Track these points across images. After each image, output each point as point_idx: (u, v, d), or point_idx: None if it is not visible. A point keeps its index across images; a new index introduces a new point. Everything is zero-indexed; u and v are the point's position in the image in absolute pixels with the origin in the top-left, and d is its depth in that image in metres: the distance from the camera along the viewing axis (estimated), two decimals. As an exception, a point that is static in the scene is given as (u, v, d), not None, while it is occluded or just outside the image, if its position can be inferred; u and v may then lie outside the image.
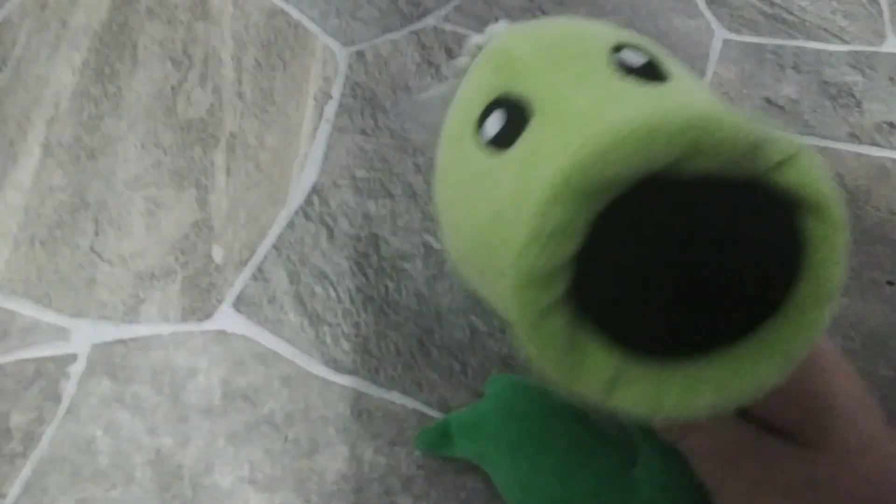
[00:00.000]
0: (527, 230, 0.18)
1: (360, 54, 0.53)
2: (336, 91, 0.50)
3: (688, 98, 0.23)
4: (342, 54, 0.53)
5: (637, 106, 0.21)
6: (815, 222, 0.18)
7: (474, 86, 0.27)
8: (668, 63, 0.25)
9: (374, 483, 0.36)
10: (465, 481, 0.36)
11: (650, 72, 0.23)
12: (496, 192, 0.23)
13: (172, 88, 0.50)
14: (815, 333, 0.19)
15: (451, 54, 0.53)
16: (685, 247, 0.18)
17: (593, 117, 0.21)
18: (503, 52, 0.26)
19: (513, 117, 0.24)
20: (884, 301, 0.42)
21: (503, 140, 0.23)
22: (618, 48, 0.24)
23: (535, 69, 0.24)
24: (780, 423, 0.24)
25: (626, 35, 0.25)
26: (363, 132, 0.48)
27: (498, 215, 0.22)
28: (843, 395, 0.24)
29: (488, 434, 0.32)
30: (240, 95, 0.50)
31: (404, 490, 0.36)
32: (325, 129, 0.49)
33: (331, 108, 0.50)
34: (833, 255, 0.18)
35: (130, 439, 0.37)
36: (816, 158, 0.18)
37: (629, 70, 0.23)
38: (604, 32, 0.25)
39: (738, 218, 0.18)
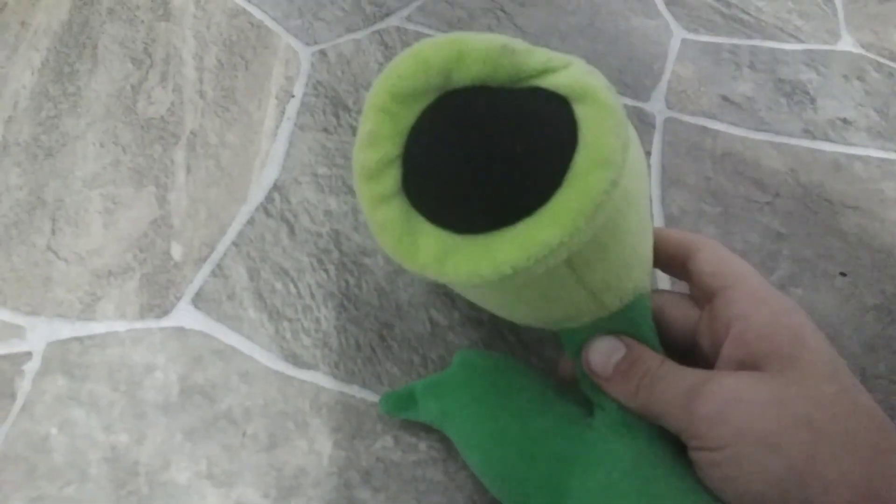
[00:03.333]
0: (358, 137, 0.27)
1: (323, 54, 0.53)
2: (298, 90, 0.51)
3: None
4: (305, 54, 0.53)
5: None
6: (586, 107, 0.23)
7: None
8: None
9: (334, 476, 0.36)
10: (425, 473, 0.36)
11: None
12: None
13: (133, 87, 0.50)
14: (596, 194, 0.22)
15: (413, 53, 0.53)
16: (478, 140, 0.24)
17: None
18: None
19: None
20: (836, 291, 0.43)
21: None
22: None
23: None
24: (751, 359, 0.26)
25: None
26: (325, 130, 0.48)
27: None
28: (807, 328, 0.27)
29: (452, 389, 0.33)
30: (201, 94, 0.50)
31: (363, 483, 0.36)
32: (286, 127, 0.49)
33: (293, 107, 0.50)
34: (603, 129, 0.23)
35: (86, 437, 0.36)
36: (586, 67, 0.24)
37: None
38: None
39: (520, 112, 0.24)
